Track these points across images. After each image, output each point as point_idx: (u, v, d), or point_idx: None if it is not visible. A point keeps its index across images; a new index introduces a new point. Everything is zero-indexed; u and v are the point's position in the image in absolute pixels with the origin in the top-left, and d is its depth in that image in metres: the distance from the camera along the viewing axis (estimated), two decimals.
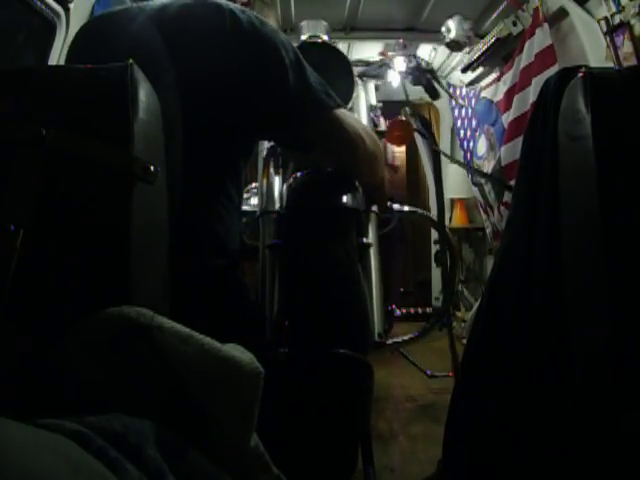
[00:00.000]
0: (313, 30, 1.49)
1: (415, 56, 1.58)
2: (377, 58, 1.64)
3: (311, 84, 0.86)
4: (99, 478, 0.31)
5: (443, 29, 1.63)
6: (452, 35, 1.63)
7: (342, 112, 0.94)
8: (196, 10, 0.83)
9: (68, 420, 0.35)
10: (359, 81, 1.50)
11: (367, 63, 1.64)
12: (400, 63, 1.59)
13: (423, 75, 1.55)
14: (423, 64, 1.57)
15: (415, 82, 1.59)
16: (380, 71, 1.57)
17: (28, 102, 0.56)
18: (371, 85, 1.58)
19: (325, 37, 1.46)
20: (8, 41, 1.51)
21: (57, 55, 1.61)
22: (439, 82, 1.57)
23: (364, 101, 1.47)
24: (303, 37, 1.46)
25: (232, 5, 0.83)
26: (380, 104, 1.55)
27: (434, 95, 1.60)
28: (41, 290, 0.54)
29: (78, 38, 0.95)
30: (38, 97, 0.58)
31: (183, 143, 0.75)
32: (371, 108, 1.48)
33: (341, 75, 1.23)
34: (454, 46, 1.64)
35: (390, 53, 1.62)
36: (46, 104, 0.57)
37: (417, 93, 2.07)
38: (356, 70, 1.49)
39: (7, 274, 0.49)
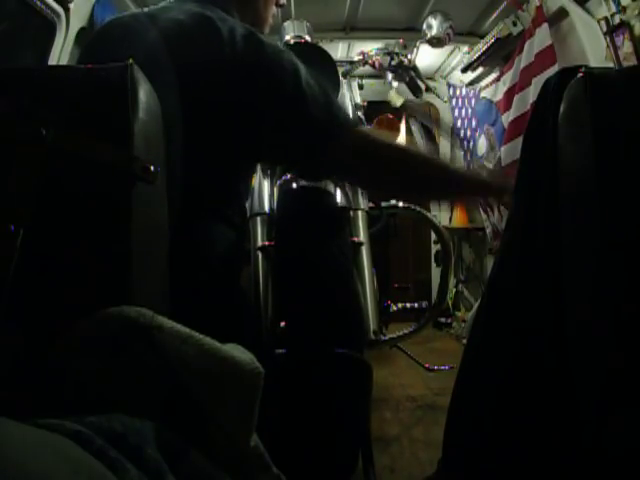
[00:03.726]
0: (297, 30, 1.50)
1: (397, 53, 1.58)
2: (356, 58, 1.64)
3: (323, 114, 0.81)
4: (99, 478, 0.31)
5: (424, 26, 1.64)
6: (433, 32, 1.64)
7: (358, 133, 0.84)
8: (195, 35, 0.79)
9: (68, 420, 0.35)
10: (343, 80, 1.51)
11: (350, 62, 1.64)
12: (383, 61, 1.60)
13: (406, 72, 1.56)
14: (405, 61, 1.57)
15: (398, 80, 1.60)
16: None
17: (28, 102, 0.56)
18: (355, 84, 1.60)
19: (307, 37, 1.46)
20: (8, 41, 1.51)
21: (57, 55, 1.61)
22: (422, 79, 1.58)
23: (349, 99, 1.48)
24: (287, 37, 1.46)
25: (235, 30, 0.80)
26: (365, 102, 1.56)
27: (416, 92, 1.61)
28: (41, 290, 0.54)
29: (90, 42, 0.95)
30: (38, 97, 0.58)
31: (183, 143, 0.75)
32: (356, 107, 1.49)
33: (326, 74, 1.23)
34: (435, 43, 1.65)
35: (371, 52, 1.62)
36: (46, 104, 0.57)
37: None
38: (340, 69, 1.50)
39: (7, 274, 0.49)
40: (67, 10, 1.59)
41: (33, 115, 0.55)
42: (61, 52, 1.62)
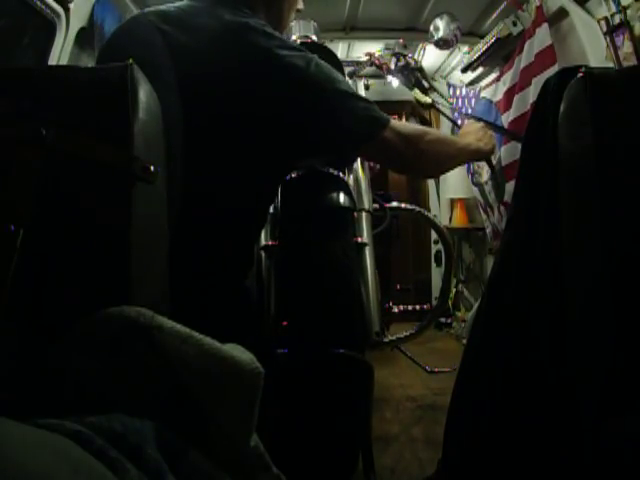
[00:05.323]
0: (303, 30, 1.50)
1: (404, 55, 1.58)
2: (364, 58, 1.64)
3: (343, 125, 0.85)
4: (99, 478, 0.31)
5: (431, 28, 1.65)
6: (440, 34, 1.64)
7: (388, 133, 0.88)
8: (242, 44, 0.80)
9: (68, 420, 0.35)
10: (349, 80, 1.50)
11: (357, 63, 1.64)
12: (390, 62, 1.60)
13: (412, 73, 1.56)
14: (412, 63, 1.57)
15: (404, 81, 1.60)
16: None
17: (28, 102, 0.56)
18: (361, 84, 1.60)
19: (314, 37, 1.46)
20: (8, 41, 1.51)
21: (57, 55, 1.61)
22: (428, 80, 1.58)
23: None
24: (293, 37, 1.46)
25: (276, 42, 0.81)
26: None
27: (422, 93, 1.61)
28: (41, 290, 0.54)
29: (110, 41, 0.95)
30: (38, 97, 0.58)
31: (184, 144, 0.75)
32: None
33: None
34: (442, 44, 1.65)
35: (377, 53, 1.62)
36: (46, 104, 0.57)
37: None
38: (347, 70, 1.50)
39: (7, 274, 0.49)
40: (67, 10, 1.59)
41: (33, 115, 0.55)
42: (61, 52, 1.61)
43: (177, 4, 0.90)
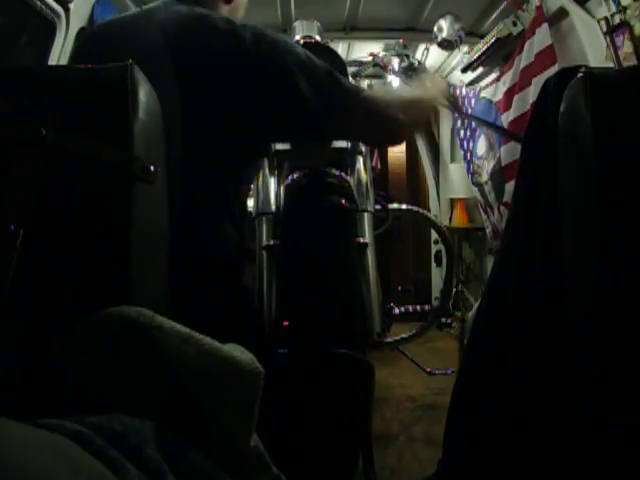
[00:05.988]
0: (307, 30, 1.50)
1: (408, 56, 1.58)
2: (368, 58, 1.65)
3: (324, 102, 0.86)
4: (99, 478, 0.31)
5: (435, 29, 1.64)
6: (444, 34, 1.64)
7: (363, 101, 0.90)
8: (204, 30, 0.83)
9: (68, 420, 0.35)
10: (352, 81, 1.51)
11: (360, 63, 1.64)
12: (393, 63, 1.61)
13: (415, 74, 1.57)
14: (415, 63, 1.57)
15: (408, 81, 1.60)
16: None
17: (28, 102, 0.56)
18: (364, 85, 1.60)
19: (318, 37, 1.47)
20: (8, 41, 1.51)
21: (57, 55, 1.61)
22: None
23: None
24: (297, 37, 1.46)
25: (238, 25, 0.83)
26: None
27: None
28: (41, 290, 0.54)
29: (83, 42, 0.96)
30: (38, 97, 0.58)
31: (183, 144, 0.75)
32: None
33: None
34: (446, 45, 1.65)
35: (382, 54, 1.62)
36: (46, 104, 0.57)
37: None
38: (350, 70, 1.50)
39: (7, 274, 0.49)
40: (67, 10, 1.58)
41: (33, 115, 0.55)
42: (61, 52, 1.61)
43: (135, 11, 0.93)
